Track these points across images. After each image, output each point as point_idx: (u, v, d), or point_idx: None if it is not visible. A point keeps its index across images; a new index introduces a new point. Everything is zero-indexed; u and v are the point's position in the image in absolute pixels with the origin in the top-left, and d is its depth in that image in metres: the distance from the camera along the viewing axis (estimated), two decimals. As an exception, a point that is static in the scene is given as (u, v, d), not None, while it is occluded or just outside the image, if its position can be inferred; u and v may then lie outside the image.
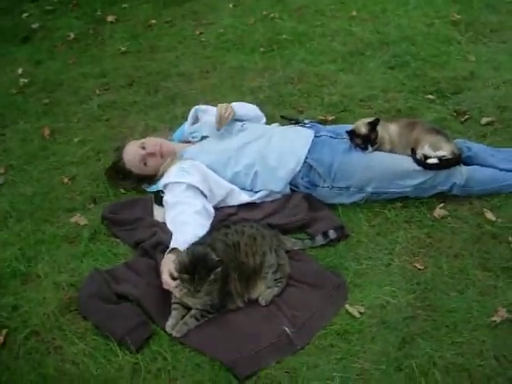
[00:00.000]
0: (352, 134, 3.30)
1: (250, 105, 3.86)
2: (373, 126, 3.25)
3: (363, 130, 3.26)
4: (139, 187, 3.59)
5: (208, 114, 3.73)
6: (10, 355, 2.62)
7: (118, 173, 3.60)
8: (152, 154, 3.50)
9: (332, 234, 3.06)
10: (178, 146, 3.62)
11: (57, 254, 3.17)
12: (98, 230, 3.30)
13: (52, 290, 2.93)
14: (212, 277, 2.53)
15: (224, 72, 4.92)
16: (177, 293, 2.66)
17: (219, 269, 2.54)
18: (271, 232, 2.92)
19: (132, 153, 3.54)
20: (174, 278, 2.63)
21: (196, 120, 3.82)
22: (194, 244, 2.73)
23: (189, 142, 3.70)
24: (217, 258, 2.57)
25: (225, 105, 3.51)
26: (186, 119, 3.84)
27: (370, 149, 3.27)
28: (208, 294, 2.60)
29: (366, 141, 3.26)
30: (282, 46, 5.25)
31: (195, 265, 2.53)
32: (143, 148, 3.51)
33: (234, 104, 3.60)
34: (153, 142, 3.55)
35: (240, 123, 3.62)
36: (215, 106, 3.81)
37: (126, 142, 3.66)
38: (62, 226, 3.36)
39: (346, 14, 5.69)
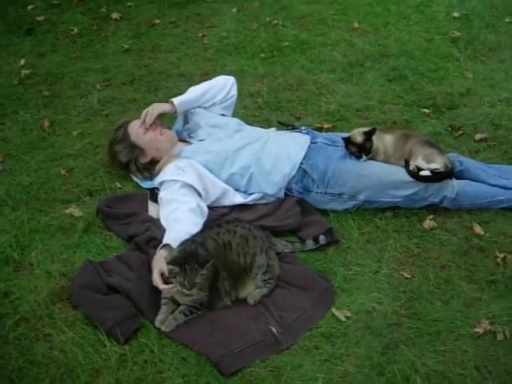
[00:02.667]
0: (348, 142, 3.35)
1: (209, 82, 3.89)
2: (368, 135, 3.30)
3: (359, 138, 3.31)
4: (128, 168, 3.65)
5: (196, 115, 3.77)
6: (-1, 340, 2.65)
7: (118, 135, 3.63)
8: (154, 126, 3.58)
9: (322, 239, 3.10)
10: (177, 143, 3.67)
11: (50, 243, 3.19)
12: (92, 223, 3.33)
13: (44, 278, 2.95)
14: (205, 271, 2.57)
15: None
16: (166, 292, 2.70)
17: (210, 262, 2.58)
18: (263, 233, 2.95)
19: (136, 122, 3.63)
20: (165, 281, 2.68)
21: (186, 120, 3.86)
22: (186, 241, 2.77)
23: (185, 140, 3.74)
24: (206, 253, 2.61)
25: (149, 109, 3.62)
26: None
27: (364, 157, 3.32)
28: (201, 290, 2.64)
29: (360, 149, 3.31)
30: (283, 53, 5.29)
31: (186, 260, 2.57)
32: None
33: (178, 98, 3.66)
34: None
35: (235, 124, 3.71)
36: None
37: None
38: (56, 217, 3.38)
39: (347, 25, 5.75)
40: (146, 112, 3.59)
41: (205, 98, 3.77)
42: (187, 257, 2.59)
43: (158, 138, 3.59)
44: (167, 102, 3.67)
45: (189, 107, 3.76)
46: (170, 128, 3.70)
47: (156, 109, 3.61)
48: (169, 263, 2.61)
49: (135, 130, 3.59)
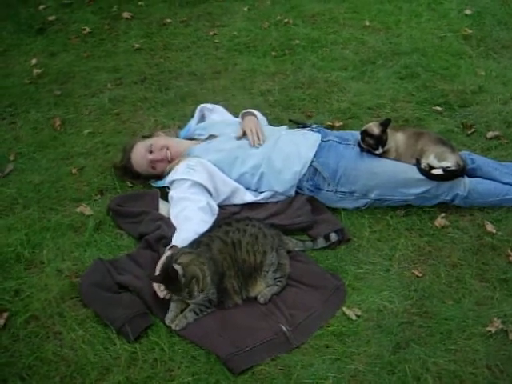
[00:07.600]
0: (364, 135, 3.33)
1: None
2: (384, 126, 3.28)
3: (376, 130, 3.29)
4: (146, 182, 3.64)
5: (214, 112, 3.77)
6: (9, 338, 2.66)
7: (127, 173, 3.63)
8: (160, 160, 3.53)
9: (333, 237, 3.09)
10: (185, 144, 3.65)
11: (61, 241, 3.20)
12: (103, 221, 3.34)
13: (54, 276, 2.97)
14: (183, 281, 2.58)
15: (235, 74, 4.95)
16: (167, 297, 2.74)
17: (180, 273, 2.56)
18: (273, 231, 2.95)
19: (140, 158, 3.56)
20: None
21: (202, 118, 3.86)
22: (192, 242, 2.82)
23: (194, 139, 3.73)
24: (175, 265, 2.59)
25: (250, 124, 3.53)
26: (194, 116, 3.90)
27: (381, 149, 3.30)
28: (202, 291, 2.64)
29: (378, 141, 3.29)
30: (294, 52, 5.27)
31: (165, 278, 2.63)
32: (151, 152, 3.53)
33: (251, 112, 3.66)
34: (160, 144, 3.56)
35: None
36: (225, 106, 3.90)
37: (132, 141, 3.68)
38: (67, 215, 3.40)
39: (359, 23, 5.71)
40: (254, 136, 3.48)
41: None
42: (165, 276, 2.63)
43: (167, 166, 3.54)
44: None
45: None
46: (172, 140, 3.68)
47: None
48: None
49: (143, 167, 3.56)
